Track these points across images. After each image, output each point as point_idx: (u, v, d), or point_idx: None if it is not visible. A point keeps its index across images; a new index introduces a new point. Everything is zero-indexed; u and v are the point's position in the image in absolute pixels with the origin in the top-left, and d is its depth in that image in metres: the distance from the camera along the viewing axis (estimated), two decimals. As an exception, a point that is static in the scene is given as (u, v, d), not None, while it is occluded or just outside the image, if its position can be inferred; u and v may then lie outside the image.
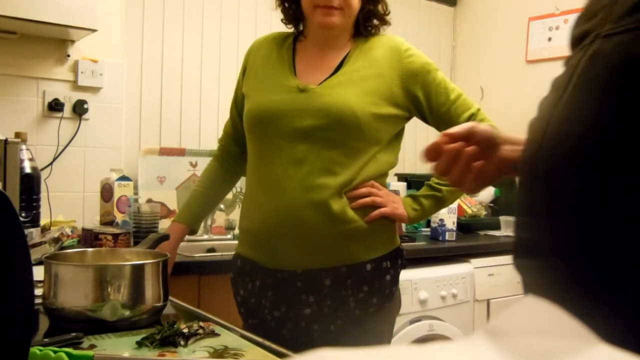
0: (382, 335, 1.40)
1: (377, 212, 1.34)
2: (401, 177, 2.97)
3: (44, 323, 1.02)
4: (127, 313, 0.99)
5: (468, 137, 0.83)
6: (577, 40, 0.68)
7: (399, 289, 1.43)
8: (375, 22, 1.43)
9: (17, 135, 1.80)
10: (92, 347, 0.88)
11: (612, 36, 0.59)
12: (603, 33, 0.61)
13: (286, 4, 1.44)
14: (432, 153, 0.83)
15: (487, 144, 0.84)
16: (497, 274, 2.45)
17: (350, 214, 1.31)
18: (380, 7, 1.42)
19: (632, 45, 0.57)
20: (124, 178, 2.20)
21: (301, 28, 1.46)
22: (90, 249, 1.29)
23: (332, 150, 1.29)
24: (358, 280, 1.32)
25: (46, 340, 0.87)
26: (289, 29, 1.49)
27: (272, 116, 1.32)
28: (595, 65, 0.60)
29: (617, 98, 0.57)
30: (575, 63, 0.63)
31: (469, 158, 0.83)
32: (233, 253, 1.49)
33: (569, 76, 0.64)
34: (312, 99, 1.31)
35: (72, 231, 1.83)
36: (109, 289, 0.98)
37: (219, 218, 2.46)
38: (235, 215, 2.50)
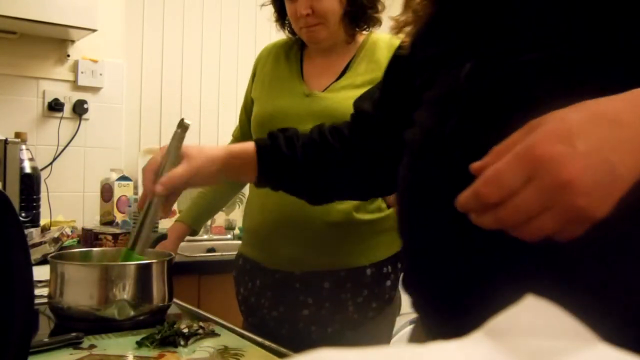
0: (380, 336, 1.40)
1: None
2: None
3: (49, 322, 1.02)
4: (133, 312, 0.99)
5: None
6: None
7: (399, 290, 1.43)
8: (370, 12, 1.40)
9: (17, 135, 1.80)
10: (91, 347, 0.88)
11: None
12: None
13: (282, 21, 1.47)
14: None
15: None
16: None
17: (352, 217, 1.31)
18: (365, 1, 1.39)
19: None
20: (124, 178, 2.20)
21: None
22: (95, 249, 1.29)
23: None
24: (357, 284, 1.32)
25: (46, 340, 0.87)
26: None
27: (277, 120, 1.34)
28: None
29: None
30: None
31: None
32: (233, 253, 1.51)
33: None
34: (315, 103, 1.33)
35: (72, 231, 1.83)
36: (116, 289, 0.98)
37: (219, 218, 2.46)
38: (235, 215, 2.50)
